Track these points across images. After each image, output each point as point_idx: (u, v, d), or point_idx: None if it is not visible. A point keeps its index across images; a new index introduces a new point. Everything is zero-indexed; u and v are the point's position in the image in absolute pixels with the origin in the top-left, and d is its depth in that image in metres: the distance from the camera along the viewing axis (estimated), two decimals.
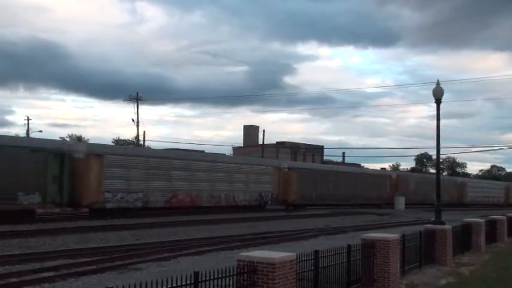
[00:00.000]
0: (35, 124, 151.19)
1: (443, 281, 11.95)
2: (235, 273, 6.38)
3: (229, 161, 38.59)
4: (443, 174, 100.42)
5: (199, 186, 33.59)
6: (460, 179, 72.24)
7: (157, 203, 30.97)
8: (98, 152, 28.25)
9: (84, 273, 11.48)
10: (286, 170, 41.74)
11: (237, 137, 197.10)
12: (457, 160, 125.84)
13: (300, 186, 41.03)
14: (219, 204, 35.02)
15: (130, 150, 37.18)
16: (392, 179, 53.50)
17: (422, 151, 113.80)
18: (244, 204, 37.12)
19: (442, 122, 20.12)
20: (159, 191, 30.88)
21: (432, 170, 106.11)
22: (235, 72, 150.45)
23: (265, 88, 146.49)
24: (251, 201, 37.86)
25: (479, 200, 68.07)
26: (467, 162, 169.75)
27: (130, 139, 70.00)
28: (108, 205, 28.05)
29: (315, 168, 47.58)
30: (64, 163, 26.14)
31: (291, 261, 6.99)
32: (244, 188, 37.27)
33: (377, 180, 51.39)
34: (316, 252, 8.16)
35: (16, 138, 34.10)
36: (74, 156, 26.99)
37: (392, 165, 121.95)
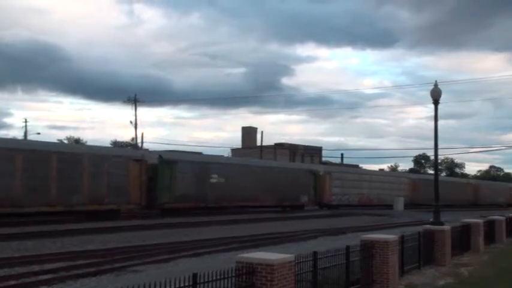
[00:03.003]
0: (33, 126, 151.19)
1: (442, 282, 11.96)
2: (234, 274, 6.37)
3: (386, 174, 60.41)
4: (441, 175, 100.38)
5: (372, 192, 51.52)
6: None
7: (353, 202, 48.67)
8: (328, 171, 48.00)
9: (82, 276, 11.46)
10: (415, 180, 60.14)
11: (235, 138, 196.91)
12: (455, 161, 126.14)
13: (423, 192, 54.86)
14: (379, 203, 51.94)
15: (342, 169, 56.44)
16: (472, 186, 72.36)
17: (421, 152, 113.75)
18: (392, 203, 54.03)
19: (440, 122, 20.22)
20: (354, 194, 48.79)
21: (430, 171, 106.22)
22: (234, 74, 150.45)
23: (263, 89, 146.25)
24: None
25: None
26: (465, 162, 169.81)
27: (128, 141, 70.12)
28: (333, 202, 46.24)
29: (430, 179, 63.45)
30: (316, 177, 44.67)
31: (290, 262, 6.97)
32: (392, 193, 53.10)
33: (464, 187, 70.01)
34: (315, 253, 8.15)
35: (295, 164, 59.20)
36: (318, 174, 45.31)
37: (391, 166, 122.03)
